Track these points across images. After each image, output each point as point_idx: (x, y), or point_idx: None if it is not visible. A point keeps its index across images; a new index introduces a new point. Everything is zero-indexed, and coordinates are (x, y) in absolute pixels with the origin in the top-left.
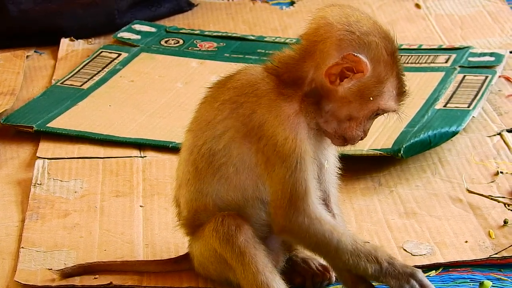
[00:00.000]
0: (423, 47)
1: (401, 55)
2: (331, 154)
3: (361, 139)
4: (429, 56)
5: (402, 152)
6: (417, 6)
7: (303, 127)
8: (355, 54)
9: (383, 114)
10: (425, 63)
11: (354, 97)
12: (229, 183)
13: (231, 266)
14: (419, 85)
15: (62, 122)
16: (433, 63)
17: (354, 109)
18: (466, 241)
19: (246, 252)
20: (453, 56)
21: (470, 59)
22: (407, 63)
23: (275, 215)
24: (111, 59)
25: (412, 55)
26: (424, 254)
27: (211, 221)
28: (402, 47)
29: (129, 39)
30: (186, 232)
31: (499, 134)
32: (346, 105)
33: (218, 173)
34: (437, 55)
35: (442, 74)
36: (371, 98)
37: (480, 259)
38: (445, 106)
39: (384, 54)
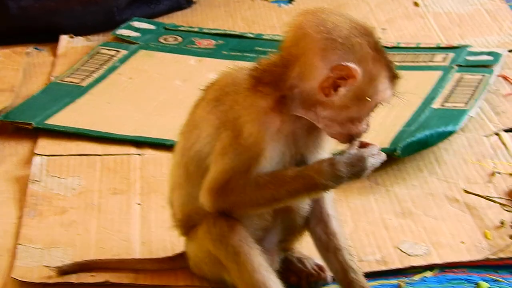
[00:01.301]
0: (420, 45)
1: (397, 53)
2: (324, 156)
3: (366, 131)
4: (427, 54)
5: (399, 151)
6: (415, 4)
7: (273, 126)
8: (343, 64)
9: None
10: (422, 61)
11: (351, 101)
12: None
13: (226, 266)
14: (417, 84)
15: (61, 119)
16: (431, 61)
17: (354, 112)
18: (463, 242)
19: (241, 251)
20: (451, 55)
21: (468, 58)
22: (405, 61)
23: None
24: (109, 56)
25: (409, 54)
26: (420, 255)
27: (203, 223)
28: (400, 45)
29: (128, 36)
30: (181, 233)
31: (497, 134)
32: (345, 110)
33: (205, 176)
34: (435, 54)
35: (440, 73)
36: (368, 98)
37: (477, 260)
38: (442, 105)
39: (369, 51)
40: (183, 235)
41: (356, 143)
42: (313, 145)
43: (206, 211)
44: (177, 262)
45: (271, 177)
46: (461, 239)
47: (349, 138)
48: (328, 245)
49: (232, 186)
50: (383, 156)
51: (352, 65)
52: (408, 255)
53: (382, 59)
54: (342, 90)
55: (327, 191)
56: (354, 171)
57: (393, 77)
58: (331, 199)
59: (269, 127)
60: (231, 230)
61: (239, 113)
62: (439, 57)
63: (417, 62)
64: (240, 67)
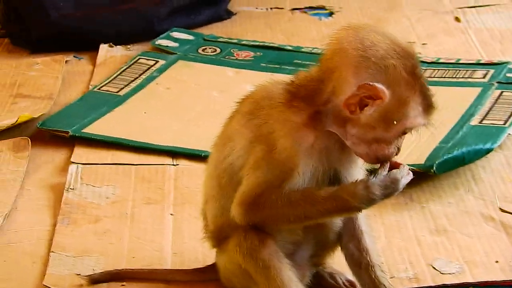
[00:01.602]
0: (461, 61)
1: (437, 69)
2: (359, 172)
3: (396, 154)
4: (467, 70)
5: (435, 168)
6: (457, 19)
7: (307, 142)
8: (371, 84)
9: (411, 131)
10: (462, 77)
11: (377, 122)
12: None
13: (256, 280)
14: (455, 100)
15: (98, 128)
16: (471, 78)
17: (380, 133)
18: (497, 261)
19: (271, 266)
20: (491, 71)
21: (508, 74)
22: (444, 77)
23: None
24: (148, 66)
25: (449, 70)
26: (453, 273)
27: (234, 235)
28: (440, 60)
29: (167, 46)
30: (212, 245)
31: None
32: (371, 130)
33: (238, 189)
34: (475, 70)
35: (479, 89)
36: (395, 122)
37: (510, 280)
38: (480, 122)
39: (404, 74)
40: (214, 247)
41: (387, 164)
42: (346, 161)
43: (237, 224)
44: (207, 274)
45: (304, 195)
46: (495, 258)
47: (376, 160)
48: (360, 262)
49: (264, 200)
50: (411, 176)
51: (379, 86)
52: (441, 273)
53: (417, 85)
54: (368, 110)
55: (359, 213)
56: (387, 193)
57: (428, 106)
58: (364, 214)
59: (302, 142)
60: (261, 244)
61: (273, 127)
62: (479, 73)
63: (457, 78)
64: (276, 80)
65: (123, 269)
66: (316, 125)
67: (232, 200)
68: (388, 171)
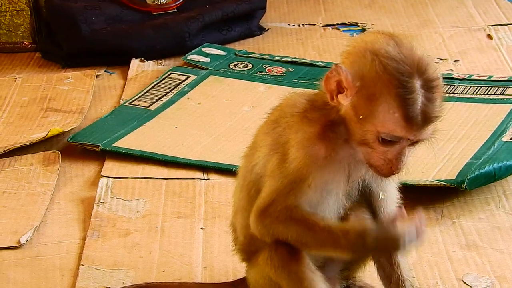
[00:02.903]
0: (493, 78)
1: (469, 85)
2: (390, 184)
3: (393, 171)
4: (499, 87)
5: (466, 183)
6: (489, 36)
7: (319, 153)
8: (343, 68)
9: (396, 141)
10: (494, 94)
11: (350, 116)
12: None
13: None
14: (487, 117)
15: (128, 142)
16: (503, 94)
17: (356, 131)
18: None
19: (304, 278)
20: None
21: None
22: (476, 94)
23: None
24: (179, 81)
25: (481, 86)
26: None
27: (265, 249)
28: (472, 77)
29: (199, 61)
30: (242, 258)
31: None
32: (350, 126)
33: None
34: (507, 87)
35: (511, 106)
36: (361, 117)
37: None
38: None
39: (384, 74)
40: (245, 261)
41: (400, 213)
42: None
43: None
44: None
45: (305, 217)
46: None
47: (374, 170)
48: (391, 276)
49: (271, 210)
50: (424, 236)
51: (347, 71)
52: None
53: (398, 90)
54: (342, 98)
55: (350, 255)
56: (383, 247)
57: (408, 117)
58: None
59: (314, 153)
60: (293, 257)
61: (289, 137)
62: (511, 90)
63: (489, 94)
64: (305, 91)
65: (152, 283)
66: (332, 136)
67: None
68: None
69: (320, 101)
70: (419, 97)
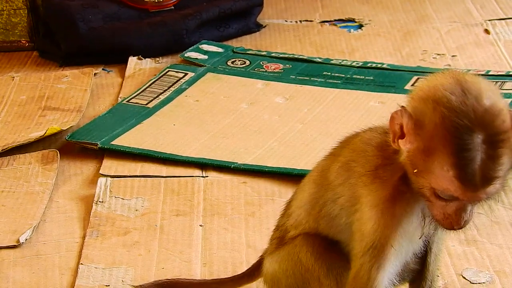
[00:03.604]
0: (490, 73)
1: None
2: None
3: (453, 226)
4: (496, 82)
5: None
6: (486, 31)
7: (394, 214)
8: (404, 110)
9: (451, 199)
10: None
11: (407, 165)
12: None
13: (322, 282)
14: None
15: (126, 140)
16: (500, 89)
17: (414, 183)
18: None
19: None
20: None
21: None
22: None
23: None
24: (177, 79)
25: None
26: (483, 282)
27: (306, 237)
28: (470, 72)
29: (196, 59)
30: (271, 249)
31: None
32: (409, 176)
33: (339, 236)
34: (505, 82)
35: (509, 101)
36: (415, 170)
37: None
38: None
39: (440, 124)
40: (268, 252)
41: None
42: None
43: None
44: (238, 282)
45: None
46: None
47: (441, 223)
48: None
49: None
50: None
51: (406, 117)
52: (471, 282)
53: (454, 145)
54: (402, 143)
55: None
56: None
57: (464, 177)
58: (440, 252)
59: (387, 216)
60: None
61: (361, 193)
62: (508, 85)
63: None
64: (378, 127)
65: (173, 279)
66: (404, 190)
67: (334, 235)
68: None
69: (390, 147)
70: (478, 155)
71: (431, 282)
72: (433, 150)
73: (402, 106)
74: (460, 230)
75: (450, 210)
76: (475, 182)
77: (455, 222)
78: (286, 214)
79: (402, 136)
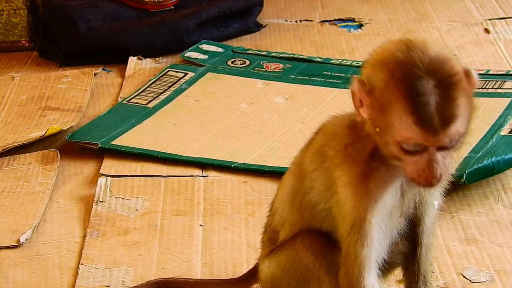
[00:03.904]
0: (490, 72)
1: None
2: (438, 192)
3: (430, 181)
4: (496, 81)
5: (464, 177)
6: (486, 31)
7: (368, 189)
8: (357, 78)
9: (418, 150)
10: (492, 88)
11: (372, 130)
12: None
13: (322, 279)
14: (485, 111)
15: (127, 140)
16: (500, 88)
17: (381, 145)
18: None
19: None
20: None
21: None
22: None
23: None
24: (177, 78)
25: (479, 80)
26: (483, 282)
27: (303, 236)
28: None
29: (196, 58)
30: (266, 252)
31: None
32: (375, 141)
33: (324, 224)
34: (505, 81)
35: (509, 100)
36: (378, 129)
37: None
38: (510, 132)
39: (389, 79)
40: (264, 255)
41: None
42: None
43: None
44: (241, 284)
45: None
46: None
47: (416, 181)
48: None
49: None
50: None
51: (359, 81)
52: (472, 282)
53: (408, 94)
54: (362, 111)
55: None
56: None
57: (422, 122)
58: (432, 233)
59: (364, 191)
60: (334, 244)
61: (337, 174)
62: (509, 84)
63: (486, 88)
64: (346, 113)
65: (169, 278)
66: (377, 165)
67: (318, 225)
68: None
69: (359, 124)
70: (432, 98)
71: (424, 277)
72: (388, 104)
73: (355, 77)
74: (437, 183)
75: (422, 164)
76: (434, 124)
77: (429, 175)
78: (271, 214)
79: (362, 105)
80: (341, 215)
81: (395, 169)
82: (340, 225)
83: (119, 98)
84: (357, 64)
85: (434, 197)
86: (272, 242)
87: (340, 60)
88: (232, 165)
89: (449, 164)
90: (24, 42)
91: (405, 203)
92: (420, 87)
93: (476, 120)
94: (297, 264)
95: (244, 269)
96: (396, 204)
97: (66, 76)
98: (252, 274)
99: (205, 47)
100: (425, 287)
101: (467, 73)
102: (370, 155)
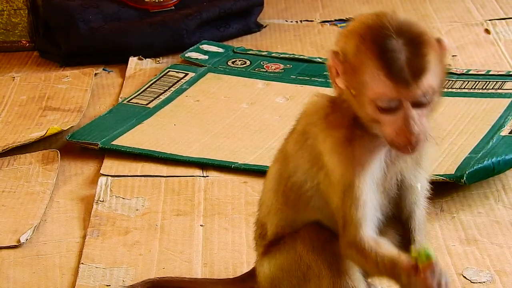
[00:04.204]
0: (491, 72)
1: (467, 80)
2: (422, 175)
3: (410, 141)
4: (497, 82)
5: (465, 178)
6: (487, 31)
7: (354, 153)
8: (331, 50)
9: (395, 106)
10: (492, 89)
11: (349, 97)
12: (322, 213)
13: (321, 276)
14: (485, 111)
15: (127, 140)
16: (501, 89)
17: (358, 110)
18: None
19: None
20: None
21: None
22: (474, 88)
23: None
24: (178, 79)
25: (479, 81)
26: (484, 282)
27: (303, 233)
28: (470, 72)
29: (197, 59)
30: (261, 252)
31: None
32: (354, 108)
33: (309, 204)
34: (505, 81)
35: (509, 100)
36: (353, 91)
37: None
38: (510, 133)
39: (360, 42)
40: (262, 254)
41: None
42: (411, 163)
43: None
44: (246, 283)
45: (362, 246)
46: None
47: (395, 148)
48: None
49: (344, 228)
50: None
51: (333, 55)
52: (472, 282)
53: (376, 52)
54: (339, 82)
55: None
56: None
57: (392, 75)
58: (421, 221)
59: (347, 156)
60: (332, 240)
61: (320, 148)
62: (509, 85)
63: (487, 89)
64: (324, 93)
65: (163, 277)
66: (359, 133)
67: (303, 213)
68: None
69: (339, 100)
70: (402, 54)
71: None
72: (360, 65)
73: (330, 50)
74: (417, 145)
75: (399, 123)
76: (405, 76)
77: (407, 133)
78: (259, 208)
79: (338, 75)
80: (331, 185)
81: (377, 140)
82: (332, 196)
83: (119, 98)
84: None
85: (417, 179)
86: (263, 237)
87: None
88: (233, 165)
89: (426, 124)
90: (24, 42)
91: (387, 179)
92: (390, 45)
93: (477, 121)
94: (299, 264)
95: (244, 269)
96: (380, 178)
97: (67, 76)
98: (250, 275)
99: (205, 47)
100: None
101: (438, 40)
102: (352, 122)
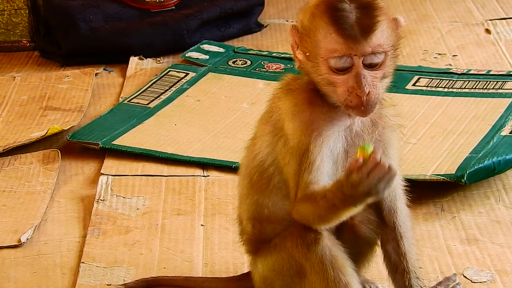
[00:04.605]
0: (491, 72)
1: (467, 80)
2: (391, 160)
3: (361, 99)
4: (497, 82)
5: (465, 178)
6: (487, 31)
7: (311, 118)
8: (291, 24)
9: (347, 65)
10: (493, 88)
11: (305, 62)
12: (282, 191)
13: (310, 273)
14: (486, 111)
15: (128, 139)
16: (501, 89)
17: (313, 73)
18: None
19: (334, 255)
20: None
21: None
22: (475, 88)
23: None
24: (178, 79)
25: (480, 81)
26: (484, 281)
27: (292, 233)
28: (471, 72)
29: (197, 58)
30: (249, 250)
31: None
32: (309, 72)
33: (271, 183)
34: (506, 81)
35: (510, 100)
36: (308, 54)
37: None
38: (511, 132)
39: (315, 9)
40: (251, 253)
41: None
42: (374, 137)
43: (276, 218)
44: (243, 282)
45: (312, 193)
46: None
47: (350, 109)
48: (397, 266)
49: (298, 198)
50: (392, 174)
51: (291, 28)
52: (472, 281)
53: (327, 14)
54: (298, 53)
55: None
56: (373, 181)
57: (342, 31)
58: (405, 214)
59: (305, 118)
60: (321, 237)
61: (282, 117)
62: (509, 85)
63: (487, 89)
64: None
65: (158, 277)
66: (319, 101)
67: (265, 194)
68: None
69: (300, 70)
70: (352, 14)
71: (415, 273)
72: (314, 28)
73: (291, 25)
74: (369, 105)
75: (351, 82)
76: (354, 32)
77: (360, 92)
78: (238, 202)
79: (298, 47)
80: (289, 153)
81: (336, 111)
82: (289, 165)
83: (120, 98)
84: None
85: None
86: (243, 231)
87: None
88: (233, 165)
89: (379, 86)
90: (25, 42)
91: (348, 158)
92: (341, 6)
93: (477, 121)
94: (290, 264)
95: (245, 269)
96: (340, 153)
97: (67, 76)
98: (247, 274)
99: (206, 47)
100: (417, 282)
101: (395, 18)
102: (311, 89)
